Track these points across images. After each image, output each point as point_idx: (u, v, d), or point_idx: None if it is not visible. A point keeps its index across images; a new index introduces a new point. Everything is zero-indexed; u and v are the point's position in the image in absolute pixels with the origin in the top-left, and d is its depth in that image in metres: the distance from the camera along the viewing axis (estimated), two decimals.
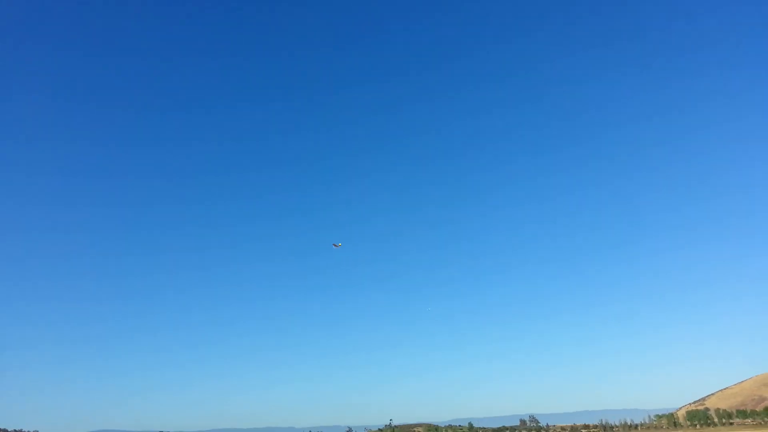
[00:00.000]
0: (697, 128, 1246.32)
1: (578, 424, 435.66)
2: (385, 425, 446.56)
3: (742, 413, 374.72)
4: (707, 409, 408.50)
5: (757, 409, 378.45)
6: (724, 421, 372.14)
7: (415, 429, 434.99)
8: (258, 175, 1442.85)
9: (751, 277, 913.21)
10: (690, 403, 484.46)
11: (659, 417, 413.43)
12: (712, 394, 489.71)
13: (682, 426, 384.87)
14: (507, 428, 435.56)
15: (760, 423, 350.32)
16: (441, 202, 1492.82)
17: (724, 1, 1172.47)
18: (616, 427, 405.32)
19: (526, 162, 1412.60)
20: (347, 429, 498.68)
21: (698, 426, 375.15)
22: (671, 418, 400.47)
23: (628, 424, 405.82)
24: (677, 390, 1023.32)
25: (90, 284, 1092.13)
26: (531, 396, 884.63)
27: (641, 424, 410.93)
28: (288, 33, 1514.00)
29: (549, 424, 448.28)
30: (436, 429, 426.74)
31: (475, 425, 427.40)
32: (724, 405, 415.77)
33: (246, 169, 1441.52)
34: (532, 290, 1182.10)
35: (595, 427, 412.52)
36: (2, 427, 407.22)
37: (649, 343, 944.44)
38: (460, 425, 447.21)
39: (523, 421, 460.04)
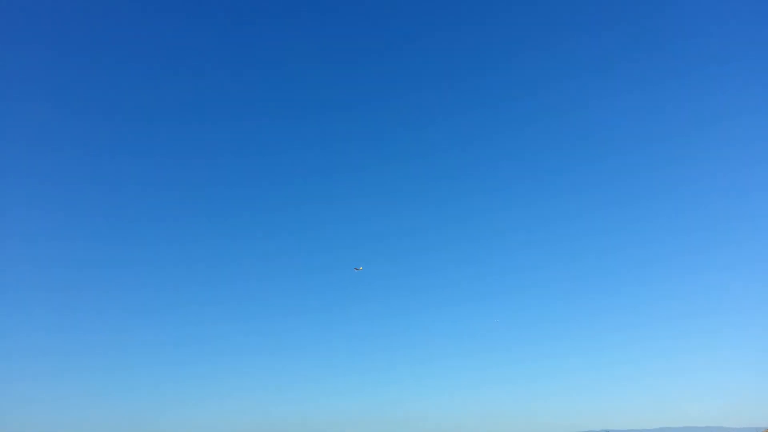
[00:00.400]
0: (721, 141, 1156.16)
1: None
2: None
3: None
4: None
5: None
6: None
7: None
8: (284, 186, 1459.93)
9: None
10: None
11: None
12: None
13: None
14: None
15: None
16: (496, 205, 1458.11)
17: (739, 16, 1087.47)
18: None
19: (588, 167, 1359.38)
20: None
21: None
22: None
23: None
24: None
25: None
26: (604, 409, 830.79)
27: None
28: (305, 46, 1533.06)
29: None
30: None
31: None
32: None
33: (271, 181, 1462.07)
34: (610, 297, 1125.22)
35: None
36: None
37: (737, 352, 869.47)
38: None
39: None
